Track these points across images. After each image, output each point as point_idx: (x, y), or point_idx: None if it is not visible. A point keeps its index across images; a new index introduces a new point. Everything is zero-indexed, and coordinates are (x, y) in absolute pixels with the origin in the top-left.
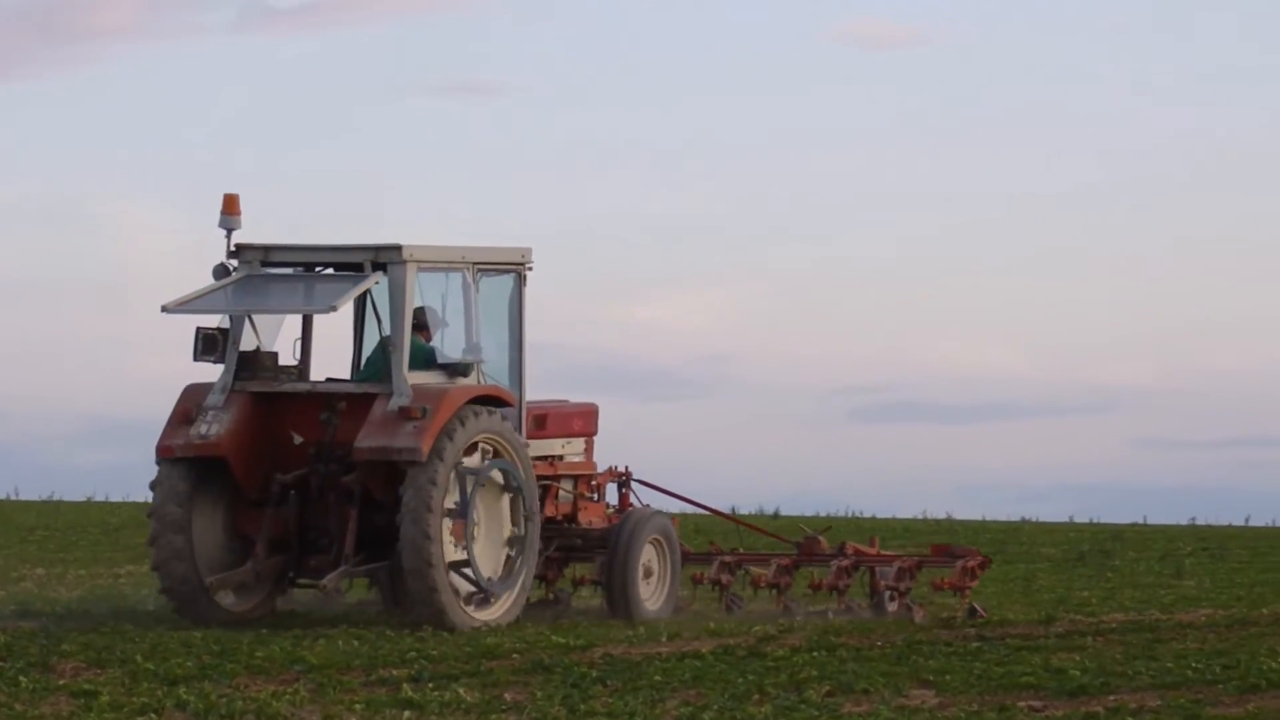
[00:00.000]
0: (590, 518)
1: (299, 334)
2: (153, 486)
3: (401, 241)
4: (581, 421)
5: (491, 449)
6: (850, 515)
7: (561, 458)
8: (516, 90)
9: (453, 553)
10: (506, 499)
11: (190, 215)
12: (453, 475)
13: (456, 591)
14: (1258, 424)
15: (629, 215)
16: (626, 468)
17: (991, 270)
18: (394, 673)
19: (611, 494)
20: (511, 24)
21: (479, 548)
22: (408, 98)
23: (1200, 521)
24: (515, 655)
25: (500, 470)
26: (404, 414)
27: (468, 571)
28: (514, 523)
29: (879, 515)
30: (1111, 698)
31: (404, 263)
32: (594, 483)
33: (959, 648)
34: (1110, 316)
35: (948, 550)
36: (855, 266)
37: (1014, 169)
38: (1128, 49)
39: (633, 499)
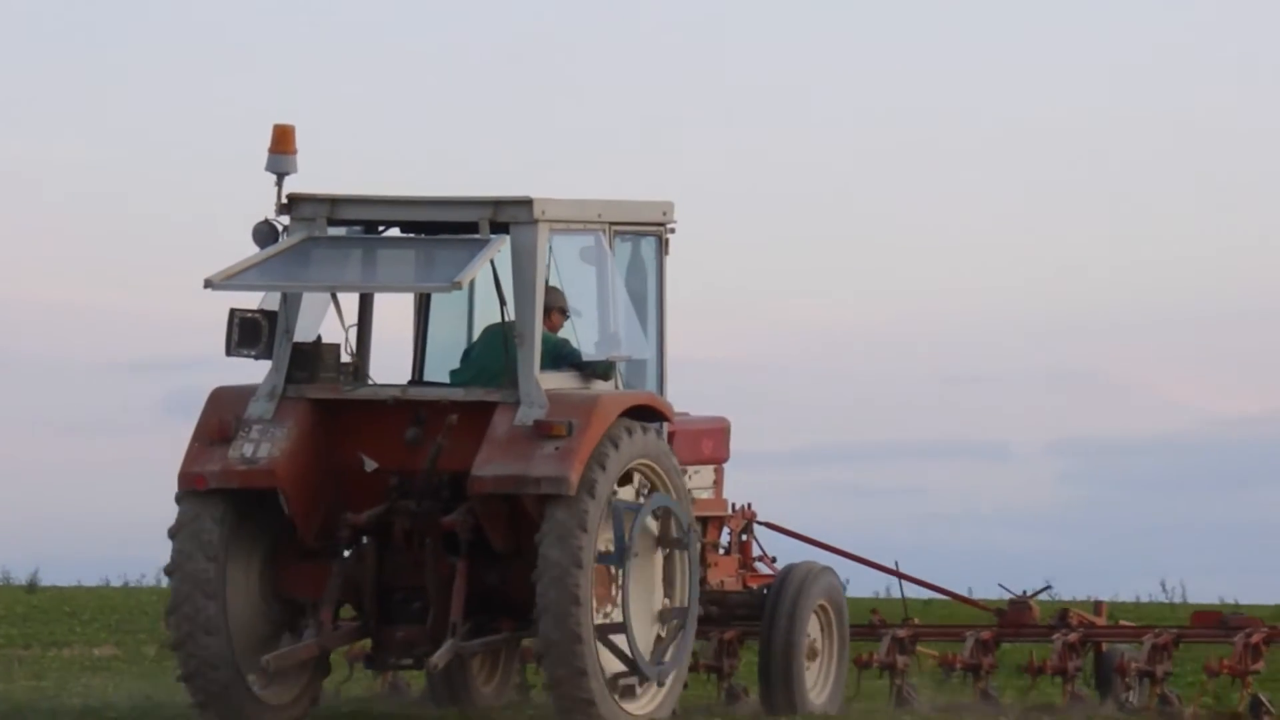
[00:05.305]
0: (722, 576)
1: (353, 321)
2: (172, 534)
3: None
4: (712, 443)
5: (647, 481)
6: None
7: (689, 493)
8: None
9: (600, 617)
10: (659, 556)
11: None
12: (604, 513)
13: (603, 673)
14: None
15: None
16: (749, 505)
17: None
18: None
19: None
20: None
21: (635, 613)
22: None
23: None
24: None
25: (658, 514)
26: (540, 430)
27: (619, 641)
28: (668, 589)
29: None
30: None
31: (535, 222)
32: (726, 527)
33: None
34: None
35: (1218, 620)
36: None
37: None
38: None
39: (756, 548)
